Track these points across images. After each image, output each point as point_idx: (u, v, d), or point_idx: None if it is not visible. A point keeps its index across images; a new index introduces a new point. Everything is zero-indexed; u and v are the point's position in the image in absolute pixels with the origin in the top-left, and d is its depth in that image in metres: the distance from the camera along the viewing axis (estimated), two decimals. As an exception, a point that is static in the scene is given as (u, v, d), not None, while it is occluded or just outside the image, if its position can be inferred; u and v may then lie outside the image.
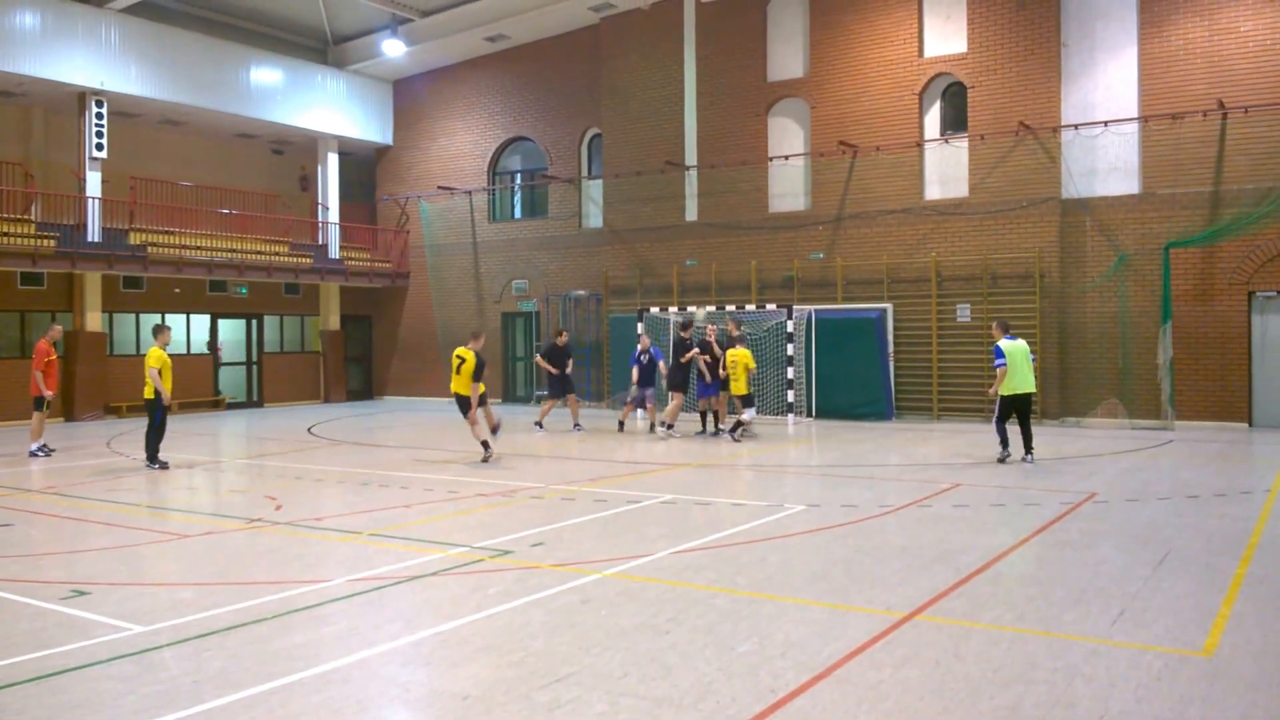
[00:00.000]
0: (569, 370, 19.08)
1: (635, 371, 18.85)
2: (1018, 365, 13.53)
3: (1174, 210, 18.85)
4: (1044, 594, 6.89)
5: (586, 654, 5.65)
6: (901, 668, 5.38)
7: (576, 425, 18.84)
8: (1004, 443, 13.75)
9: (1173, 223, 18.83)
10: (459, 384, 15.04)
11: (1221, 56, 18.49)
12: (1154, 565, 7.63)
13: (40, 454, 15.70)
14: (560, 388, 19.08)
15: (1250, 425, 18.30)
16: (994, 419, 14.23)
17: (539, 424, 19.10)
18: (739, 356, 16.75)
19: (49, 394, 15.77)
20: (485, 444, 14.82)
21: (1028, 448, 13.66)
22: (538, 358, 17.95)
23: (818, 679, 5.21)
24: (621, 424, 19.42)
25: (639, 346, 19.11)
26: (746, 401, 16.90)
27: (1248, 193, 18.19)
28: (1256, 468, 13.66)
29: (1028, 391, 13.64)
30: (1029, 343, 19.65)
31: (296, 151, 29.62)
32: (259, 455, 16.30)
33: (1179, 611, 6.43)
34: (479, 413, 15.29)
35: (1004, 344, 13.65)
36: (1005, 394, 13.59)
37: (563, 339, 19.46)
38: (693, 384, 18.66)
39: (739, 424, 16.91)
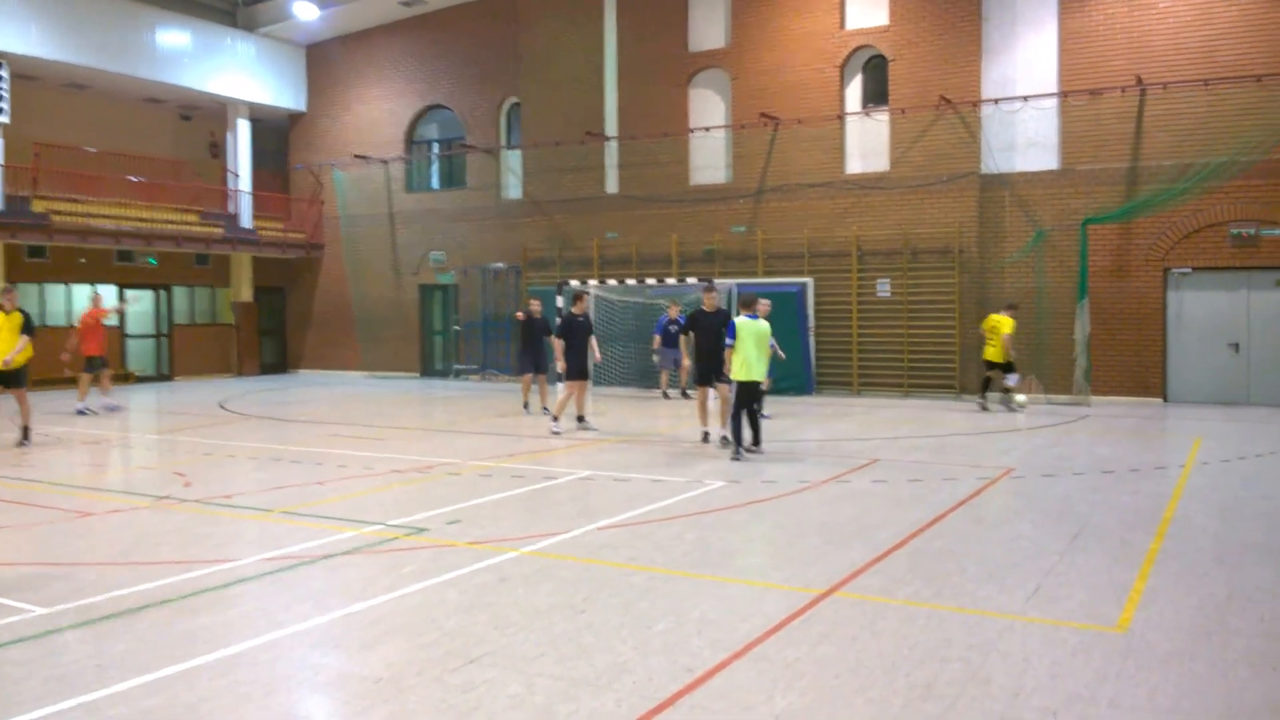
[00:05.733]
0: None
1: (657, 339, 19.46)
2: (749, 349, 11.91)
3: (1092, 186, 19.15)
4: (960, 570, 6.94)
5: (501, 634, 5.56)
6: (818, 645, 5.36)
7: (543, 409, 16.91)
8: (736, 439, 12.01)
9: (1091, 198, 19.13)
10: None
11: (1141, 33, 18.74)
12: (1069, 541, 7.75)
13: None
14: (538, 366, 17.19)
15: (1164, 400, 18.79)
16: (730, 410, 12.32)
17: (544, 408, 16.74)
18: (998, 323, 17.18)
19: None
20: (26, 430, 13.56)
21: (755, 439, 12.23)
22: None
23: (734, 657, 5.17)
24: (666, 394, 20.11)
25: (667, 315, 19.49)
26: (1006, 369, 17.21)
27: (1165, 169, 18.53)
28: (1170, 443, 14.05)
29: (753, 380, 11.95)
30: (930, 317, 20.20)
31: (206, 117, 28.69)
32: (168, 430, 15.79)
33: (1093, 587, 6.52)
34: None
35: (739, 321, 12.01)
36: (736, 379, 11.97)
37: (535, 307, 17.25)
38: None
39: (1007, 391, 17.35)
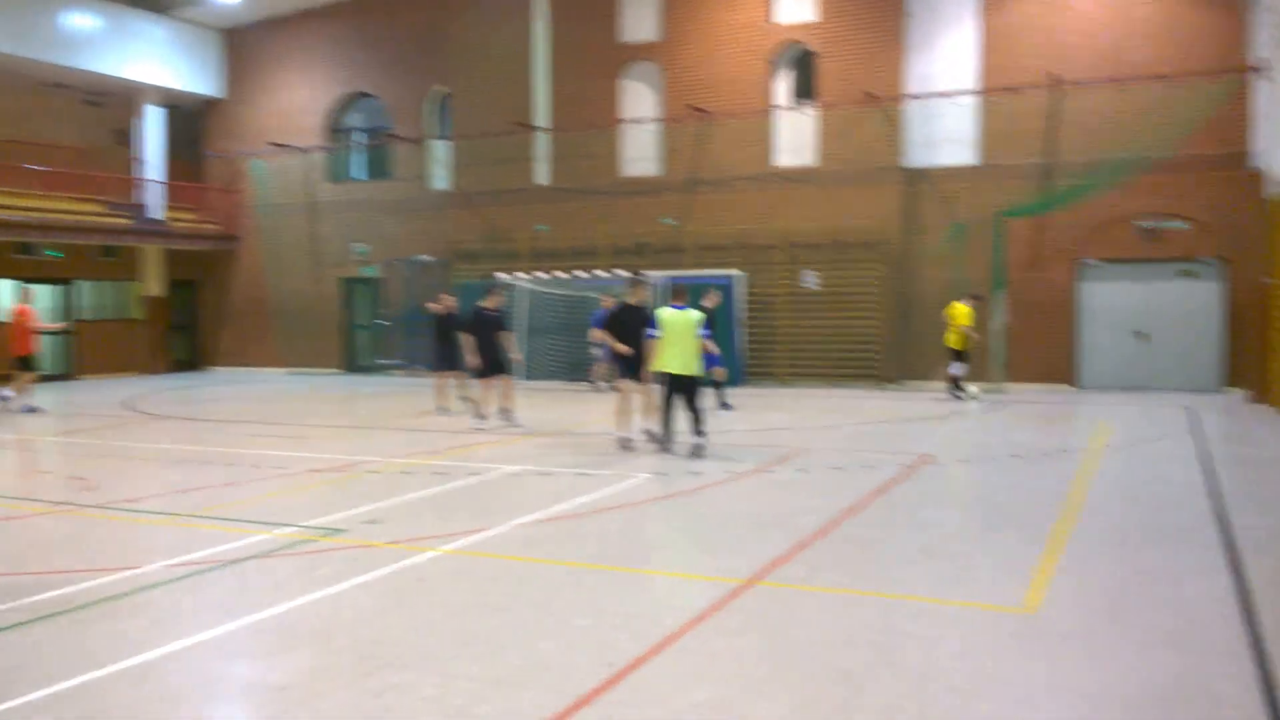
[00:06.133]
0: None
1: (596, 332, 18.79)
2: (677, 338, 11.36)
3: (1009, 181, 19.55)
4: (877, 556, 7.02)
5: (419, 635, 5.45)
6: (739, 635, 5.37)
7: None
8: (665, 433, 11.73)
9: (1008, 193, 19.52)
10: None
11: (1056, 32, 19.22)
12: (982, 524, 7.90)
13: None
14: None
15: (1075, 387, 19.31)
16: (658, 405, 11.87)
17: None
18: (955, 312, 17.45)
19: None
20: None
21: (696, 429, 11.53)
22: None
23: (655, 650, 5.13)
24: (598, 386, 19.80)
25: (604, 308, 18.79)
26: (957, 357, 17.49)
27: (1078, 165, 18.98)
28: (1079, 428, 14.44)
29: (680, 373, 11.40)
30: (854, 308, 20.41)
31: (115, 103, 27.65)
32: (70, 432, 15.23)
33: (1003, 569, 6.65)
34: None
35: (664, 313, 11.55)
36: (662, 371, 11.49)
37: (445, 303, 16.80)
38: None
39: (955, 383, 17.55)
